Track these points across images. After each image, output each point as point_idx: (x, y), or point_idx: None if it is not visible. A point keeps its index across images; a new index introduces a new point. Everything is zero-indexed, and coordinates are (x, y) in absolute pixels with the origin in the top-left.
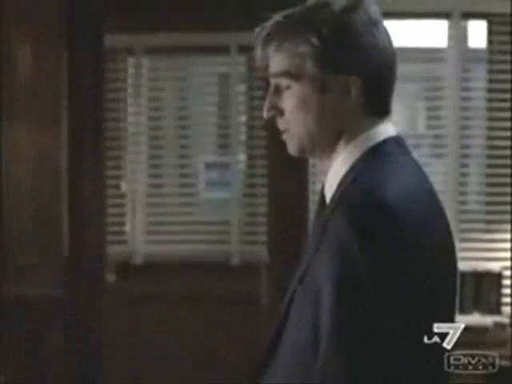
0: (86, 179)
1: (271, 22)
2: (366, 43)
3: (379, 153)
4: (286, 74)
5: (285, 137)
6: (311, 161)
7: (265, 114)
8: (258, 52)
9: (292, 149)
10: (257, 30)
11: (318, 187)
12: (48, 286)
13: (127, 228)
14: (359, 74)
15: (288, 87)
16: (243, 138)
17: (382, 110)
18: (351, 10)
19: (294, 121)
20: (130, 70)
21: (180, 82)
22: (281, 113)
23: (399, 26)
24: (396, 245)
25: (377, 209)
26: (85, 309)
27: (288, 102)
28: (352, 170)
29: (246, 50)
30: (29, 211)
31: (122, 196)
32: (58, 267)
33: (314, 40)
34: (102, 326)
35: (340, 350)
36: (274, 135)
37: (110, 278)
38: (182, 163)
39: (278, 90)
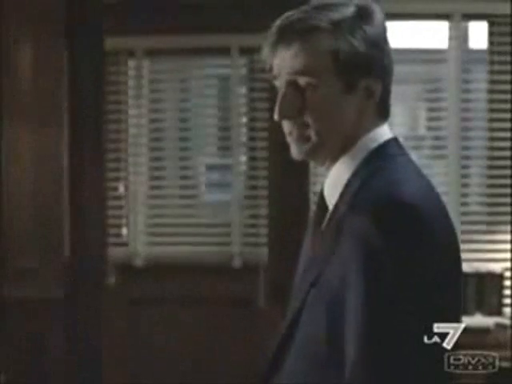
0: (86, 181)
1: (291, 18)
2: (386, 45)
3: (383, 154)
4: (310, 71)
5: (291, 139)
6: (312, 162)
7: (279, 115)
8: (277, 49)
9: (299, 152)
10: (275, 26)
11: (319, 188)
12: (48, 287)
13: (127, 230)
14: (381, 77)
15: (310, 86)
16: (244, 139)
17: (387, 112)
18: (373, 11)
19: (314, 121)
20: (131, 72)
21: (181, 83)
22: (300, 112)
23: (400, 27)
24: (420, 243)
25: (400, 208)
26: (85, 310)
27: (311, 101)
28: (358, 172)
29: (246, 51)
30: (29, 212)
31: (123, 198)
32: (59, 268)
33: (351, 39)
34: (102, 328)
35: (370, 349)
36: (275, 137)
37: (111, 279)
38: (183, 165)
39: (297, 89)
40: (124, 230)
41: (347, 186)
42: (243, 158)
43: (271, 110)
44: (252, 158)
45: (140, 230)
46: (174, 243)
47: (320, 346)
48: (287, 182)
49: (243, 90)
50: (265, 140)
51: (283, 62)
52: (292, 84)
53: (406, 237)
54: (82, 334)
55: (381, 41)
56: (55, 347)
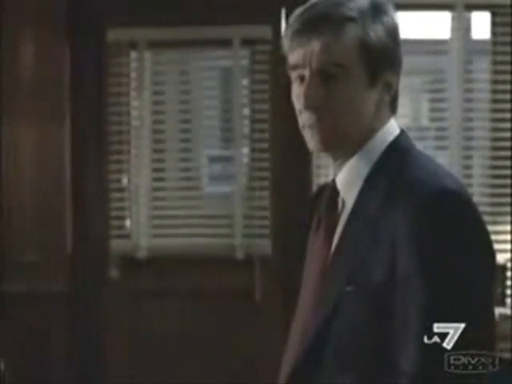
0: (88, 174)
1: (319, 7)
2: (399, 38)
3: (401, 148)
4: (341, 62)
5: (310, 132)
6: (314, 154)
7: (305, 105)
8: (305, 38)
9: (319, 144)
10: (300, 15)
11: (322, 180)
12: (51, 281)
13: (130, 222)
14: (398, 70)
15: (339, 76)
16: (246, 131)
17: (396, 106)
18: (385, 3)
19: (339, 112)
20: (133, 64)
21: (183, 75)
22: (326, 103)
23: (402, 17)
24: (480, 232)
25: (459, 199)
26: (87, 303)
27: (338, 91)
28: (380, 167)
29: (248, 43)
30: (32, 207)
31: (125, 190)
32: (61, 262)
33: (376, 29)
34: (105, 321)
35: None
36: (277, 128)
37: (113, 272)
38: (185, 157)
39: (324, 80)
40: (126, 223)
41: (369, 180)
42: (245, 150)
43: (273, 102)
44: (254, 150)
45: (142, 222)
46: (177, 235)
47: (364, 346)
48: (289, 174)
49: (245, 81)
50: (267, 131)
51: (312, 51)
52: (320, 74)
53: (468, 228)
54: (84, 327)
55: (397, 33)
56: (57, 341)
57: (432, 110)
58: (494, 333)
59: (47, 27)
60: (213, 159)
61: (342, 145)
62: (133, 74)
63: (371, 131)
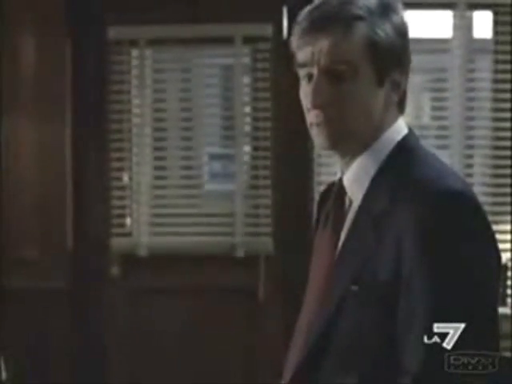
0: (89, 171)
1: (327, 5)
2: (408, 35)
3: (409, 148)
4: (350, 61)
5: (318, 130)
6: (316, 152)
7: (313, 104)
8: (313, 36)
9: (325, 141)
10: (309, 12)
11: (323, 179)
12: (51, 278)
13: (131, 220)
14: (406, 69)
15: (347, 75)
16: (247, 129)
17: (405, 105)
18: (394, 0)
19: (348, 111)
20: (134, 62)
21: (184, 73)
22: (333, 102)
23: (404, 16)
24: (488, 232)
25: (465, 200)
26: (88, 301)
27: (347, 90)
28: (387, 166)
29: (250, 41)
30: (33, 204)
31: (126, 188)
32: (62, 260)
33: (385, 28)
34: (105, 319)
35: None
36: (278, 126)
37: (114, 270)
38: (186, 155)
39: (332, 78)
40: (127, 221)
41: (376, 179)
42: (246, 148)
43: (274, 100)
44: (255, 148)
45: (143, 220)
46: (178, 233)
47: (368, 345)
48: (290, 172)
49: (246, 79)
50: (268, 130)
51: (321, 49)
52: (328, 72)
53: (474, 228)
54: (84, 324)
55: (406, 32)
56: (57, 338)
57: (433, 108)
58: (498, 333)
59: (48, 25)
60: (214, 157)
61: (349, 143)
62: (134, 72)
63: (379, 130)
